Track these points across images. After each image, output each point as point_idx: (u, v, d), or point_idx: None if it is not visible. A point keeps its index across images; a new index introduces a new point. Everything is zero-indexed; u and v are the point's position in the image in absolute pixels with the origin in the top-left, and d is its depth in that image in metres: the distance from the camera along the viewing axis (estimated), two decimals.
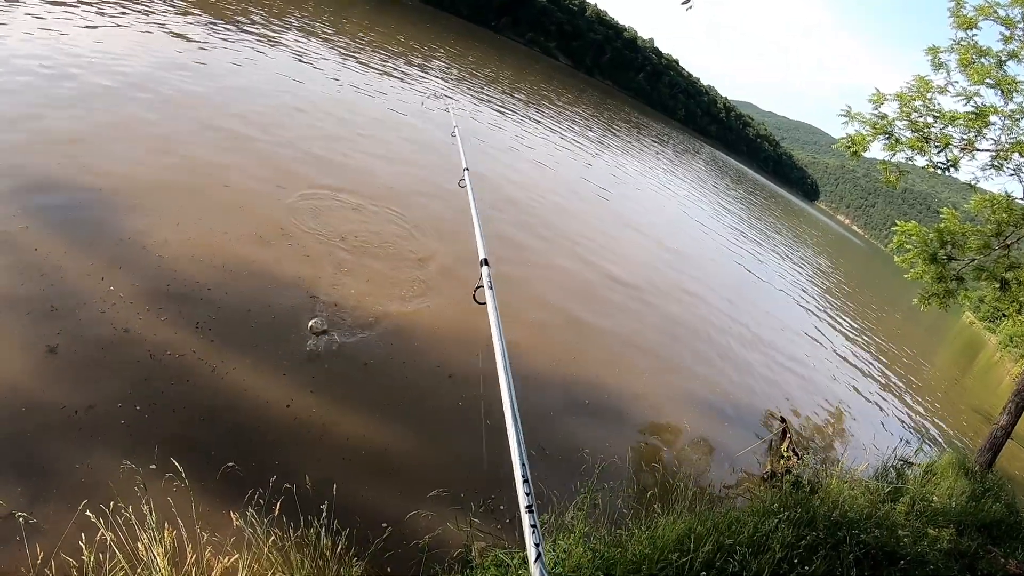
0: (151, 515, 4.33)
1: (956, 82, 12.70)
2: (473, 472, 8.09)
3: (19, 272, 8.19)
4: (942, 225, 13.73)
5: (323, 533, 4.85)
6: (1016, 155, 12.27)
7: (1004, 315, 22.18)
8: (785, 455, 12.14)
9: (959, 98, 12.51)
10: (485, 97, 41.14)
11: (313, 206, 13.62)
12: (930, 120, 12.71)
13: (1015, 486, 16.55)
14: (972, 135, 12.37)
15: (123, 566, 4.26)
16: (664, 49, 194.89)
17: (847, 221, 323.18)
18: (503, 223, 18.55)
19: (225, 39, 24.90)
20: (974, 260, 13.66)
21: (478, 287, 3.84)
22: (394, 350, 10.00)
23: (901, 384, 26.54)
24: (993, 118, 12.14)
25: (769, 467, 11.93)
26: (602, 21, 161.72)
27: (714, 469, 11.00)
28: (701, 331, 18.92)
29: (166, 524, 4.40)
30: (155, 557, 4.13)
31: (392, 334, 10.32)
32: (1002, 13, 12.45)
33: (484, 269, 3.95)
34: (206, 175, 13.07)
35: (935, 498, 11.40)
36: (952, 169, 12.60)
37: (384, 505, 7.07)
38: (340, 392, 8.65)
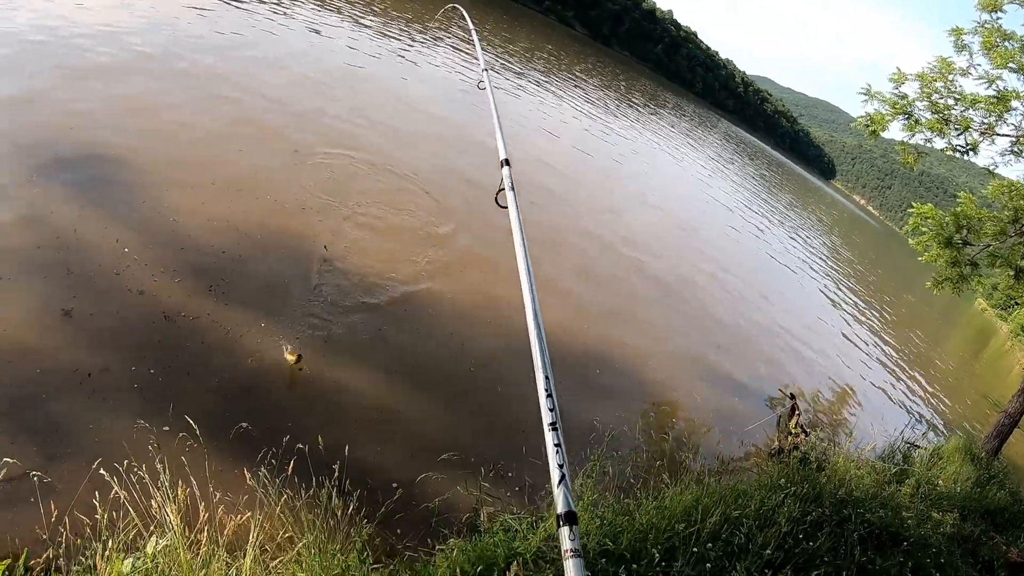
0: (165, 474, 4.38)
1: (978, 65, 12.56)
2: (484, 438, 8.19)
3: (35, 235, 8.22)
4: (958, 209, 13.62)
5: (334, 494, 4.90)
6: None
7: (1017, 303, 22.11)
8: (793, 432, 12.13)
9: (981, 81, 12.39)
10: (502, 65, 40.82)
11: (328, 172, 13.68)
12: (951, 102, 12.58)
13: (1020, 475, 16.58)
14: (993, 119, 12.27)
15: (136, 524, 4.32)
16: (683, 21, 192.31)
17: (863, 202, 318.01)
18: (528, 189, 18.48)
19: (240, 7, 24.81)
20: (989, 246, 13.57)
21: (500, 190, 3.66)
22: (407, 316, 10.09)
23: (911, 367, 26.47)
24: (1015, 103, 12.03)
25: (777, 443, 11.94)
26: None
27: (722, 443, 11.04)
28: (714, 307, 18.93)
29: (180, 482, 4.45)
30: (168, 515, 4.19)
31: (406, 300, 10.40)
32: None
33: (505, 170, 3.77)
34: (220, 141, 13.13)
35: (940, 482, 11.42)
36: (971, 153, 12.51)
37: (395, 468, 7.14)
38: (353, 357, 8.74)
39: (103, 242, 8.57)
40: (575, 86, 54.32)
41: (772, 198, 63.37)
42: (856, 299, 34.27)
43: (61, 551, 4.31)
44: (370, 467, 6.86)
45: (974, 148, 12.40)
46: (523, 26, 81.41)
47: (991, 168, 13.29)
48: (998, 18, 12.60)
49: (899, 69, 13.16)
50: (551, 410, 2.28)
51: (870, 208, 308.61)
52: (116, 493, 4.22)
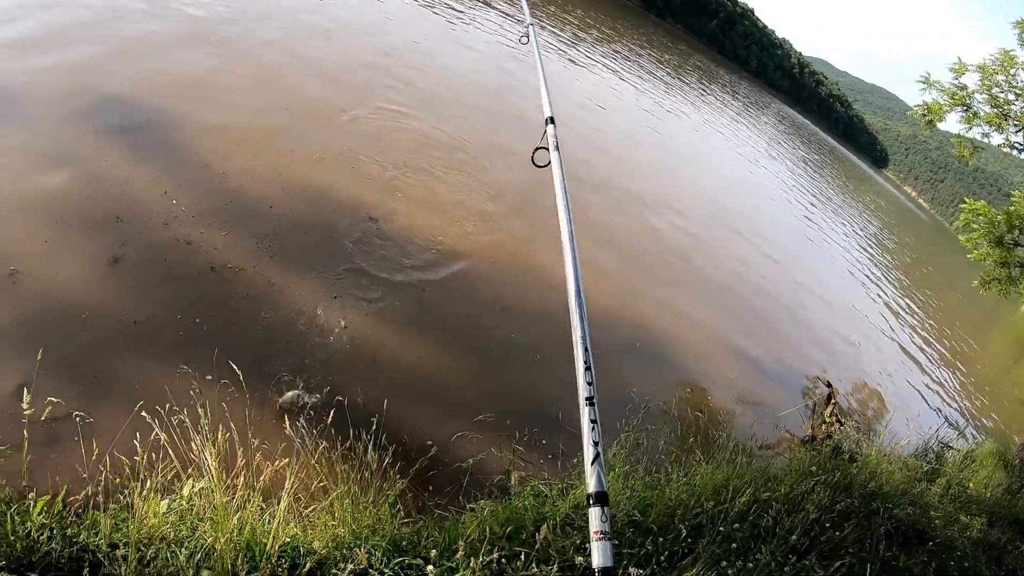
0: (205, 418, 4.47)
1: None
2: (520, 403, 8.22)
3: (86, 184, 8.36)
4: (1012, 208, 13.39)
5: (370, 447, 4.97)
6: None
7: None
8: (828, 420, 12.01)
9: None
10: (552, 35, 40.49)
11: (377, 130, 13.76)
12: (1011, 97, 12.35)
13: None
14: None
15: (175, 466, 4.41)
16: (767, 20, 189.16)
17: (914, 194, 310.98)
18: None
19: None
20: None
21: (539, 148, 3.43)
22: (451, 280, 10.13)
23: (951, 367, 26.06)
24: None
25: (810, 430, 11.83)
26: None
27: (756, 425, 10.92)
28: (757, 288, 18.77)
29: (220, 427, 4.54)
30: (207, 458, 4.26)
31: (450, 265, 10.44)
32: None
33: (549, 128, 3.57)
34: (270, 96, 13.26)
35: (971, 485, 11.30)
36: None
37: (430, 426, 7.20)
38: (396, 317, 8.79)
39: (153, 194, 8.67)
40: (627, 59, 53.75)
41: (822, 184, 62.49)
42: (899, 293, 33.80)
43: (100, 489, 4.40)
44: (406, 424, 6.91)
45: None
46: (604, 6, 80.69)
47: None
48: None
49: (960, 59, 12.97)
50: (589, 384, 2.24)
51: (921, 201, 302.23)
52: (157, 435, 4.30)
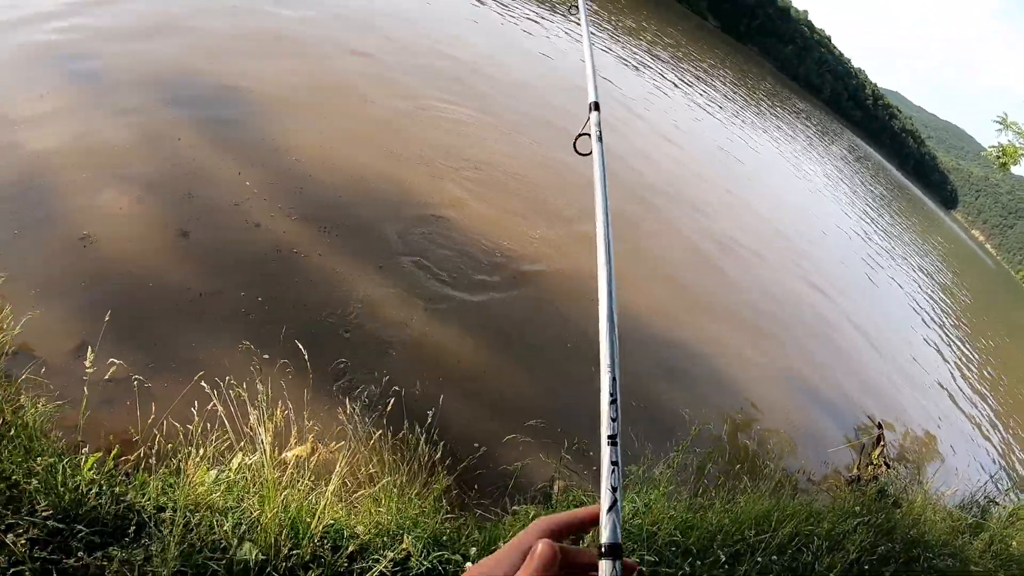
0: (264, 394, 4.48)
1: None
2: (571, 413, 8.13)
3: (162, 159, 8.53)
4: None
5: (422, 441, 4.95)
6: None
7: None
8: (875, 462, 11.83)
9: None
10: (624, 49, 40.34)
11: (450, 131, 13.81)
12: None
13: None
14: None
15: (228, 437, 4.42)
16: (817, 23, 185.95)
17: (981, 238, 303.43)
18: (624, 178, 18.29)
19: None
20: None
21: (581, 135, 2.93)
22: (513, 283, 10.08)
23: (1006, 420, 25.51)
24: None
25: (856, 470, 11.64)
26: None
27: (804, 459, 10.74)
28: (815, 324, 18.43)
29: (279, 403, 4.54)
30: (261, 433, 4.26)
31: (513, 267, 10.38)
32: None
33: (593, 115, 2.99)
34: (349, 89, 13.42)
35: (1014, 543, 11.07)
36: None
37: (481, 426, 7.15)
38: (455, 317, 8.75)
39: (226, 173, 8.78)
40: (699, 79, 53.54)
41: (889, 221, 61.37)
42: (958, 339, 33.03)
43: (153, 452, 4.42)
44: (458, 422, 6.88)
45: None
46: (653, 13, 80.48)
47: None
48: None
49: None
50: (613, 420, 1.98)
51: (988, 246, 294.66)
52: (213, 406, 4.33)
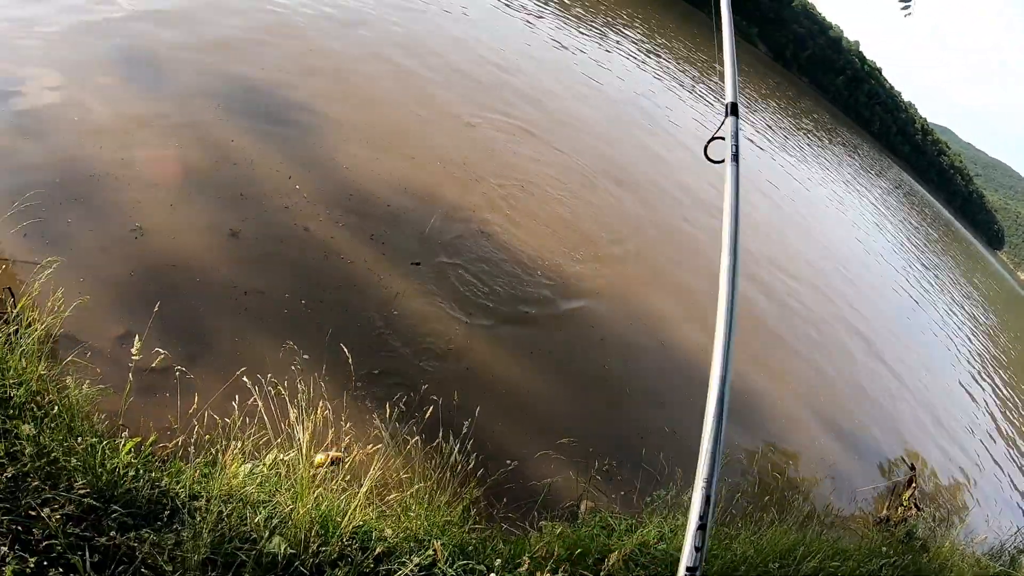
0: (305, 393, 4.49)
1: None
2: (604, 433, 8.10)
3: (216, 159, 8.66)
4: None
5: (456, 450, 4.95)
6: None
7: None
8: (905, 504, 11.70)
9: None
10: (677, 72, 40.21)
11: (504, 146, 13.88)
12: None
13: None
14: None
15: (266, 433, 4.44)
16: (869, 55, 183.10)
17: None
18: (663, 201, 18.24)
19: None
20: None
21: (714, 138, 2.85)
22: (552, 302, 10.02)
23: None
24: None
25: (886, 511, 11.51)
26: (808, 14, 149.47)
27: (833, 496, 10.57)
28: (854, 363, 18.15)
29: (319, 404, 4.55)
30: (299, 432, 4.28)
31: (555, 287, 10.31)
32: None
33: (729, 120, 2.95)
34: (403, 102, 13.52)
35: None
36: None
37: (515, 441, 7.11)
38: (495, 332, 8.72)
39: (277, 177, 8.87)
40: (752, 110, 53.32)
41: (935, 260, 60.54)
42: (998, 384, 32.61)
43: (192, 441, 4.45)
44: (492, 435, 6.82)
45: None
46: (707, 39, 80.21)
47: None
48: None
49: None
50: (706, 499, 1.95)
51: None
52: (254, 401, 4.35)
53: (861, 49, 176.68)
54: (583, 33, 32.45)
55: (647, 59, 37.14)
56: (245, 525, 3.86)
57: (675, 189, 19.60)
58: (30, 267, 5.55)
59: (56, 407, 4.01)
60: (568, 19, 32.90)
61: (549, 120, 17.48)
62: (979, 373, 30.49)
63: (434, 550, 4.22)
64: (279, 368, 5.55)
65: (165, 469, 4.25)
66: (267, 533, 3.85)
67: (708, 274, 15.84)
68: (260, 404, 4.36)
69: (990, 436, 22.77)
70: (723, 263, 2.08)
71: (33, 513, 3.29)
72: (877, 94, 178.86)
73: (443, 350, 7.83)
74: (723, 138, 2.75)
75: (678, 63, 43.70)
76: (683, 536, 5.55)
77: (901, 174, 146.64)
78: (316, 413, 4.36)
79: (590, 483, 6.83)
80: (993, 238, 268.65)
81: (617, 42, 35.41)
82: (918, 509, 11.58)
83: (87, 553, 3.24)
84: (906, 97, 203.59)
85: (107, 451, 3.88)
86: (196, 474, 4.18)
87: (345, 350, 5.06)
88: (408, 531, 4.47)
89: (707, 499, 1.87)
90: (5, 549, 3.09)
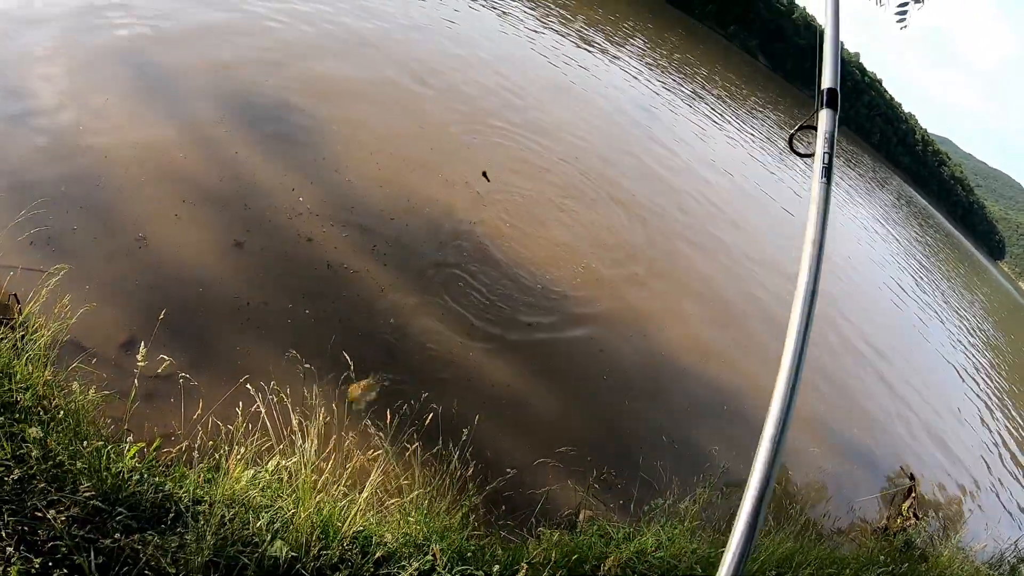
0: (308, 400, 4.51)
1: None
2: (602, 443, 8.11)
3: (220, 170, 8.72)
4: None
5: (455, 458, 4.95)
6: None
7: None
8: (904, 514, 11.67)
9: None
10: (673, 86, 40.14)
11: (505, 161, 13.87)
12: None
13: None
14: None
15: (269, 440, 4.46)
16: (868, 66, 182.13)
17: None
18: (664, 217, 18.20)
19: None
20: None
21: (801, 127, 2.60)
22: (555, 314, 10.04)
23: None
24: None
25: (885, 521, 11.46)
26: (809, 27, 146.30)
27: (830, 505, 10.61)
28: (856, 376, 18.13)
29: (322, 411, 4.57)
30: (302, 438, 4.30)
31: (558, 301, 10.33)
32: None
33: (824, 112, 2.58)
34: (407, 115, 13.55)
35: None
36: None
37: (514, 449, 7.13)
38: (497, 343, 8.75)
39: (281, 189, 8.91)
40: (752, 117, 53.27)
41: (937, 272, 60.28)
42: (999, 396, 32.45)
43: (196, 446, 4.46)
44: (491, 443, 6.85)
45: None
46: (709, 50, 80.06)
47: None
48: None
49: None
50: (750, 526, 1.67)
51: None
52: (256, 408, 4.36)
53: (861, 60, 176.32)
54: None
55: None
56: (247, 529, 3.87)
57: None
58: (36, 274, 5.57)
59: (62, 411, 4.03)
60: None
61: (561, 138, 17.47)
62: (981, 384, 30.43)
63: (433, 555, 4.24)
64: (282, 376, 5.60)
65: (169, 473, 4.26)
66: (269, 537, 3.86)
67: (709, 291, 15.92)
68: (263, 411, 4.37)
69: (989, 446, 22.75)
70: (799, 293, 1.87)
71: (39, 514, 3.31)
72: (877, 105, 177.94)
73: (445, 359, 7.86)
74: (813, 127, 2.46)
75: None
76: (680, 543, 5.58)
77: (903, 185, 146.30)
78: (319, 419, 4.38)
79: (588, 492, 6.83)
80: (994, 248, 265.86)
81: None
82: (917, 518, 11.57)
83: (92, 555, 3.25)
84: (906, 108, 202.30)
85: (112, 455, 3.89)
86: (199, 479, 4.20)
87: (347, 358, 5.08)
88: (408, 536, 4.47)
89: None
90: (11, 549, 3.10)
